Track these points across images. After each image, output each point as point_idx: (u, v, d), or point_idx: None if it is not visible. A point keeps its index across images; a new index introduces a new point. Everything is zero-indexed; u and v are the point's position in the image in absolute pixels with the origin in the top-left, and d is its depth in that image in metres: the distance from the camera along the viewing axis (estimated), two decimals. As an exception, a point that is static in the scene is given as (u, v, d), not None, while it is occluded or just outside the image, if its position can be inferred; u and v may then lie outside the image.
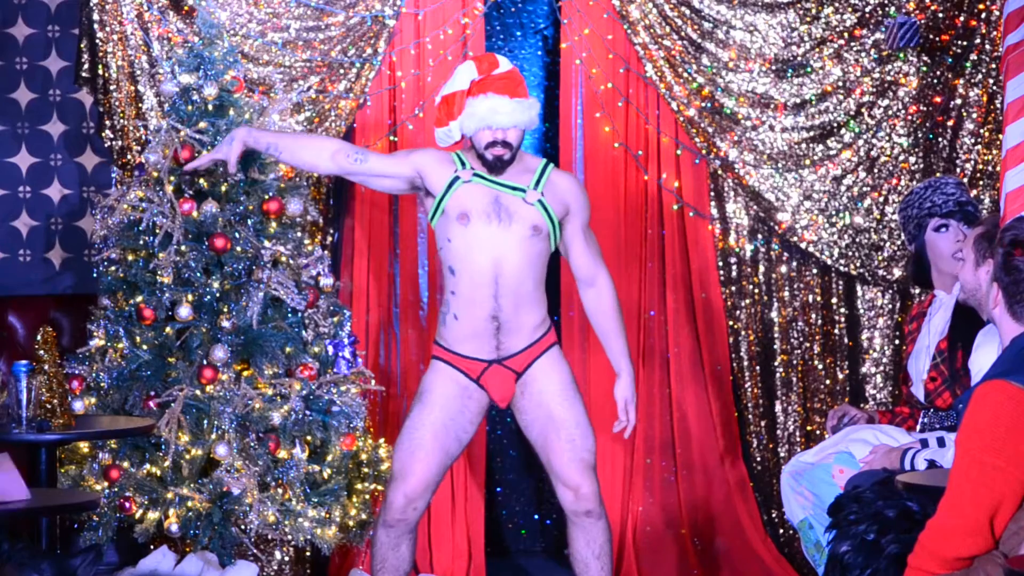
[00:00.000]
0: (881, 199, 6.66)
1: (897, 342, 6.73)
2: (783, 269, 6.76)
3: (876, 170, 6.67)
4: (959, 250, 5.32)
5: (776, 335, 6.74)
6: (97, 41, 6.43)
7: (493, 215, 5.10)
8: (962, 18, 6.63)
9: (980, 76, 6.65)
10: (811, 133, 6.66)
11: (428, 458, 5.12)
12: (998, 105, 6.55)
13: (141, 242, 5.89)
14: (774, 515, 6.67)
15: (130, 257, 5.92)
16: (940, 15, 6.62)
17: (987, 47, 6.64)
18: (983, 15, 6.63)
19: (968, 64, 6.66)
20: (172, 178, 5.87)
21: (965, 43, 6.65)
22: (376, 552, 5.21)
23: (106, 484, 5.73)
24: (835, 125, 6.66)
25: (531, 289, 5.15)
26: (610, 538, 5.22)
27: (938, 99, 6.67)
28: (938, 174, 6.66)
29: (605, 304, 5.31)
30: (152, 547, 5.77)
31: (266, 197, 5.93)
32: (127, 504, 5.68)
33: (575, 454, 5.13)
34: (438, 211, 5.14)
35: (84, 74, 6.48)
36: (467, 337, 5.14)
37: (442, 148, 5.37)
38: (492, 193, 5.12)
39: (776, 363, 6.74)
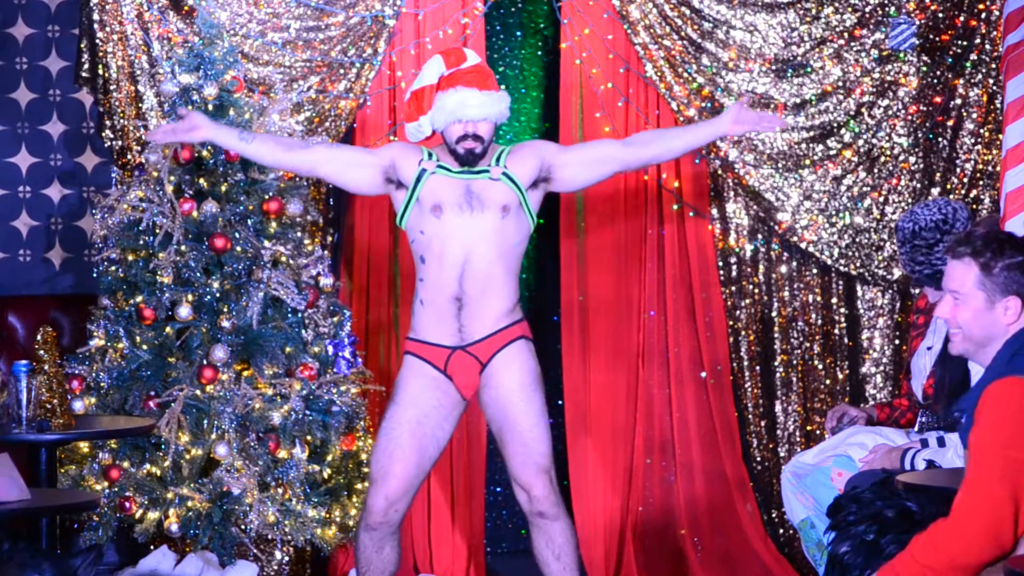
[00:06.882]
0: (881, 199, 6.66)
1: (897, 342, 6.73)
2: (783, 269, 6.76)
3: (876, 170, 6.67)
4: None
5: (776, 335, 6.74)
6: (97, 41, 6.43)
7: (465, 205, 5.09)
8: (962, 18, 6.63)
9: (980, 76, 6.65)
10: (811, 133, 6.66)
11: (406, 458, 5.07)
12: (998, 105, 6.55)
13: (141, 242, 5.89)
14: (774, 515, 6.67)
15: (130, 257, 5.92)
16: (940, 15, 6.63)
17: (987, 47, 6.64)
18: (983, 15, 6.63)
19: (968, 64, 6.66)
20: (172, 178, 5.87)
21: (965, 43, 6.65)
22: (360, 555, 5.17)
23: (106, 484, 5.73)
24: (835, 125, 6.66)
25: (501, 275, 5.11)
26: (571, 538, 5.17)
27: (938, 99, 6.67)
28: (938, 175, 6.67)
29: (651, 135, 5.47)
30: (152, 547, 5.77)
31: (266, 197, 5.93)
32: (127, 504, 5.68)
33: (528, 458, 5.10)
34: (411, 201, 5.11)
35: (84, 74, 6.48)
36: (431, 322, 5.12)
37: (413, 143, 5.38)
38: (462, 184, 5.11)
39: (776, 363, 6.74)
